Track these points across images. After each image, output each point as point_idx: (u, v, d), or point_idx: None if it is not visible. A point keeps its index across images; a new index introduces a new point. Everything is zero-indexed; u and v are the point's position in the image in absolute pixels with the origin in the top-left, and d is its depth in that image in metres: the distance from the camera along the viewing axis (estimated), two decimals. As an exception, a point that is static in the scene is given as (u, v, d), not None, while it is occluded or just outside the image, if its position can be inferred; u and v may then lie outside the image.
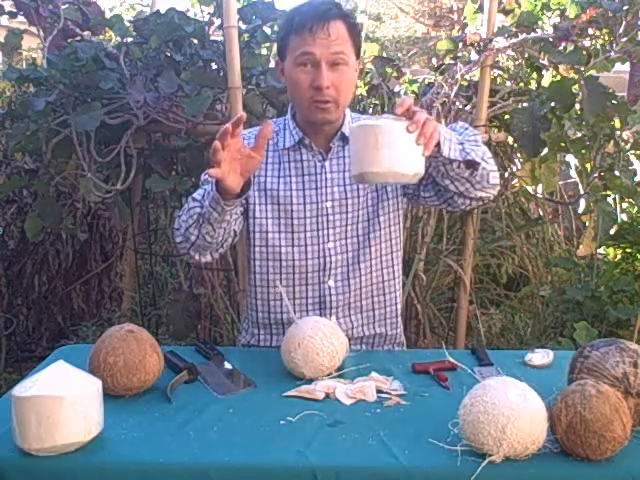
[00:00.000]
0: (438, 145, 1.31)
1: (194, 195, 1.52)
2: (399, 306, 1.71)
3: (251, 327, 1.69)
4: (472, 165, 1.40)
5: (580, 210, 2.85)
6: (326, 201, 1.59)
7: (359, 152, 1.24)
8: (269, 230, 1.59)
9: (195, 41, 2.37)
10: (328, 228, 1.59)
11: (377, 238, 1.62)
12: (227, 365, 1.43)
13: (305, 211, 1.59)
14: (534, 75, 2.60)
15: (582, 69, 2.35)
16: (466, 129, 1.51)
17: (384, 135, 1.20)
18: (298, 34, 1.47)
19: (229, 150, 1.31)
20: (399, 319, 1.72)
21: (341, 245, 1.61)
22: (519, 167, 2.71)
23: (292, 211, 1.59)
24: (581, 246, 2.58)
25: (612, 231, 2.48)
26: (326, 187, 1.59)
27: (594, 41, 2.46)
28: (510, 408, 1.04)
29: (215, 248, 1.53)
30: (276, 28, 2.38)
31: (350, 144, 1.29)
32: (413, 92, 2.93)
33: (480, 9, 2.65)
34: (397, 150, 1.21)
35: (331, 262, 1.60)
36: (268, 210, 1.59)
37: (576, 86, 2.27)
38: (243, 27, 2.33)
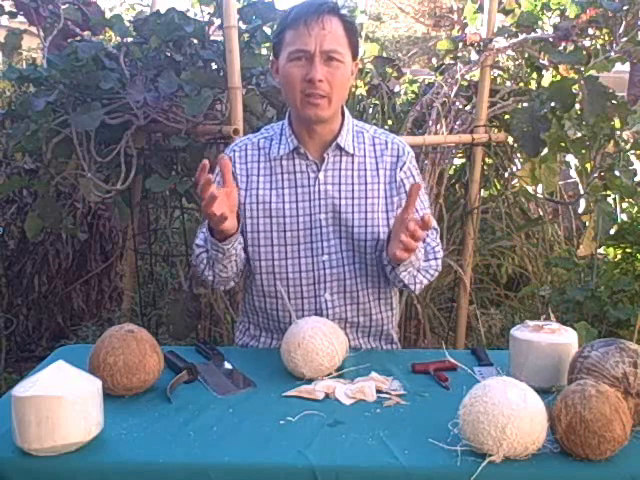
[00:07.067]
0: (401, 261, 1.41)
1: (197, 241, 1.57)
2: (395, 324, 1.69)
3: (253, 330, 1.68)
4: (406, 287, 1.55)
5: (580, 210, 2.84)
6: (319, 213, 1.54)
7: (548, 369, 1.32)
8: (261, 244, 1.55)
9: (195, 41, 2.37)
10: (322, 240, 1.55)
11: (374, 254, 1.55)
12: (227, 365, 1.43)
13: (298, 223, 1.55)
14: (534, 75, 2.61)
15: (582, 69, 2.35)
16: (435, 256, 1.57)
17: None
18: (292, 28, 1.46)
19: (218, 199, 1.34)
20: (395, 337, 1.70)
21: (337, 258, 1.56)
22: (519, 167, 2.71)
23: (285, 224, 1.55)
24: (581, 246, 2.57)
25: (612, 231, 2.48)
26: (319, 199, 1.54)
27: (594, 41, 2.46)
28: (510, 408, 1.04)
29: (234, 277, 1.58)
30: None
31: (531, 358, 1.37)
32: (413, 92, 2.93)
33: (480, 9, 2.65)
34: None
35: (325, 275, 1.56)
36: (260, 224, 1.55)
37: (576, 86, 2.27)
38: (243, 27, 2.33)
